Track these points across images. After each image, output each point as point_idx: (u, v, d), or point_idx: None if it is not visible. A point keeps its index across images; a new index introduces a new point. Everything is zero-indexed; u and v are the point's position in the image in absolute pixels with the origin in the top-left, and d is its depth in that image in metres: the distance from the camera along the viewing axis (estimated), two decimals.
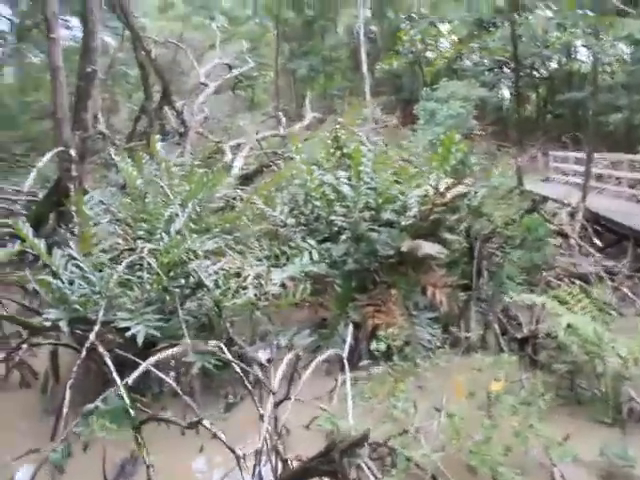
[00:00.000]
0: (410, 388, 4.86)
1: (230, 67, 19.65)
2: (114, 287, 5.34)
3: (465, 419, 4.36)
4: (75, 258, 5.67)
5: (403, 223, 6.60)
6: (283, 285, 6.59)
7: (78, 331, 5.31)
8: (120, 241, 7.17)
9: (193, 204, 7.10)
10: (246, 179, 14.56)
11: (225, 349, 4.82)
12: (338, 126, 7.88)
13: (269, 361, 5.65)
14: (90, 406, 3.63)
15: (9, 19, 28.75)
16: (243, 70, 20.09)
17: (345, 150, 7.41)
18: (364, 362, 5.48)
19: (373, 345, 4.93)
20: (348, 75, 28.86)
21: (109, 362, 4.55)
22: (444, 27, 19.94)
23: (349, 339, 5.51)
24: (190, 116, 16.11)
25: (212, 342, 4.98)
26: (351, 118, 9.97)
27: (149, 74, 16.64)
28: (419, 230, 6.66)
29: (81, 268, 5.49)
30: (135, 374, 4.19)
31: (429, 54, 20.30)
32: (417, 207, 6.49)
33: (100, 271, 5.77)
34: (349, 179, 6.86)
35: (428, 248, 6.19)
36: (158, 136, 8.85)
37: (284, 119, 18.29)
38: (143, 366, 4.37)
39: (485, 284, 6.95)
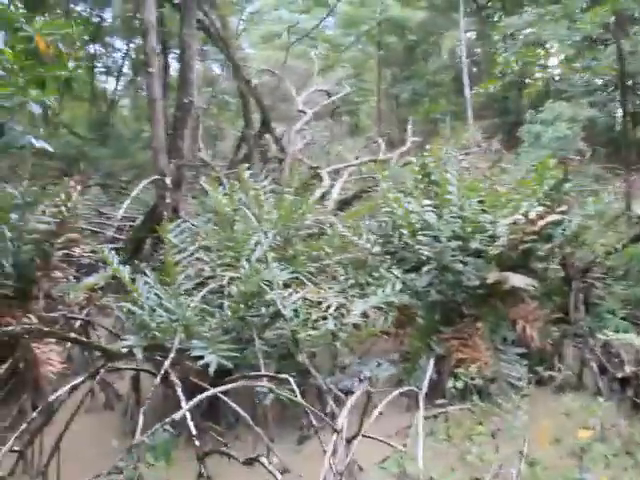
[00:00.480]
0: (491, 430, 4.56)
1: (329, 94, 19.85)
2: (191, 315, 5.42)
3: (549, 468, 4.01)
4: (153, 285, 5.82)
5: (492, 253, 6.28)
6: (366, 315, 6.48)
7: (157, 357, 5.43)
8: (207, 268, 7.32)
9: (275, 232, 7.14)
10: (345, 204, 14.63)
11: (292, 382, 4.72)
12: (426, 152, 7.68)
13: (349, 393, 5.53)
14: (137, 440, 3.64)
15: (125, 53, 30.75)
16: (340, 96, 20.11)
17: (433, 177, 7.19)
18: (444, 400, 5.21)
19: (450, 383, 4.65)
20: (452, 98, 28.46)
21: (179, 391, 4.57)
22: (552, 47, 19.19)
23: (429, 374, 5.29)
24: (289, 143, 16.35)
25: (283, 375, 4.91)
26: (441, 143, 9.65)
27: (249, 102, 17.14)
28: (508, 260, 6.33)
29: (159, 295, 5.60)
30: (194, 402, 4.21)
31: (532, 75, 19.59)
32: (506, 236, 6.15)
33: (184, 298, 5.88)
34: (436, 207, 6.66)
35: (516, 280, 5.84)
36: (246, 165, 8.95)
37: (383, 144, 18.19)
38: (207, 394, 4.40)
39: (582, 318, 6.48)
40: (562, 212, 6.36)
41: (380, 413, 5.64)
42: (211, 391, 4.46)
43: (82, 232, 8.31)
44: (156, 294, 5.74)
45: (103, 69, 32.38)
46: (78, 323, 6.61)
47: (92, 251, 7.97)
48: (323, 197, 14.73)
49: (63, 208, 6.59)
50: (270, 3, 33.41)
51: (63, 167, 17.12)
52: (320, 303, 6.48)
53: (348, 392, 5.65)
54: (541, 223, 6.24)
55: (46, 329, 5.01)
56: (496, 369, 5.68)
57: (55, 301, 6.60)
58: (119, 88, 32.37)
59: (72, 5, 27.38)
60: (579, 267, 6.78)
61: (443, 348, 6.00)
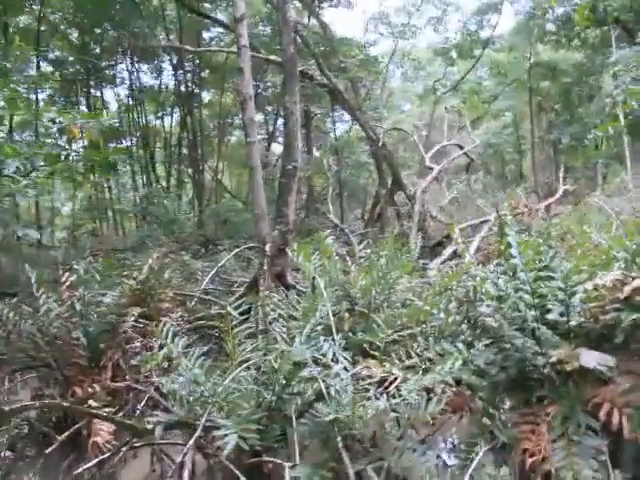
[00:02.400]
0: None
1: (460, 147, 19.23)
2: (222, 391, 5.28)
3: None
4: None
5: (572, 324, 5.48)
6: (430, 391, 5.93)
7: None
8: (279, 339, 7.17)
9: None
10: (479, 264, 13.87)
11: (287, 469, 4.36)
12: (508, 210, 7.01)
13: None
14: None
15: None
16: (469, 149, 19.35)
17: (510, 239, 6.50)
18: None
19: None
20: (617, 141, 26.26)
21: (185, 474, 4.45)
22: None
23: (472, 467, 4.65)
24: (416, 201, 15.95)
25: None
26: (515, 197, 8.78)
27: (382, 162, 17.09)
28: (589, 334, 5.47)
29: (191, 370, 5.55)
30: None
31: None
32: (580, 306, 5.34)
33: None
34: (506, 273, 6.01)
35: (587, 359, 4.98)
36: (327, 231, 8.73)
37: (523, 197, 17.16)
38: None
39: None
40: None
41: None
42: None
43: (176, 299, 8.58)
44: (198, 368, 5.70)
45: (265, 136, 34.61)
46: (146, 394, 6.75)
47: (180, 317, 8.24)
48: (455, 255, 14.09)
49: (132, 281, 6.86)
50: (421, 59, 33.61)
51: (207, 234, 18.21)
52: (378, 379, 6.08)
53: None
54: (628, 289, 5.35)
55: (65, 404, 5.14)
56: (564, 464, 4.82)
57: (123, 371, 6.82)
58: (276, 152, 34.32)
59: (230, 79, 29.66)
60: None
61: (507, 435, 5.25)
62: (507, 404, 5.56)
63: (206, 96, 33.20)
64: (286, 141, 10.73)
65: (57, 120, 5.12)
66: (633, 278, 5.37)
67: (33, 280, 6.54)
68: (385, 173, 17.50)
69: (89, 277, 6.74)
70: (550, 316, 5.58)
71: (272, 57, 16.07)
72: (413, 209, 16.04)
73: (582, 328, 5.46)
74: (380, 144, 16.69)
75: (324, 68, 15.82)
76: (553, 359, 5.08)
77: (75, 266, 7.00)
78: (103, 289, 7.23)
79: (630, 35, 22.51)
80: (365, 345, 7.03)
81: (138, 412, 6.52)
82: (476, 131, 32.27)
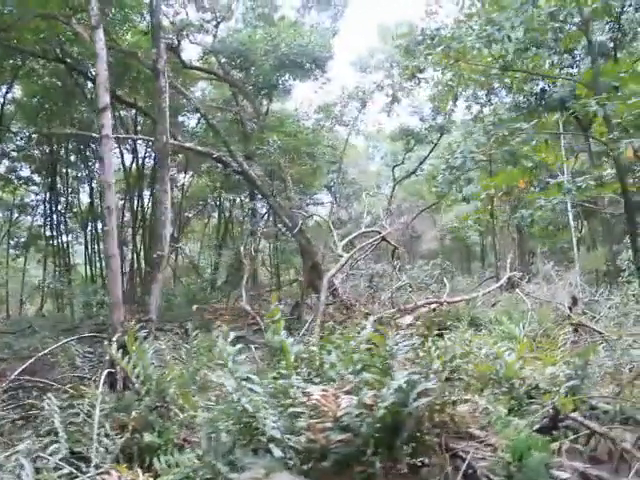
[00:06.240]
0: None
1: (379, 232, 18.94)
2: None
3: None
4: None
5: (301, 441, 5.08)
6: None
7: None
8: None
9: None
10: None
11: None
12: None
13: None
14: None
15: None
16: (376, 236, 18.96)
17: None
18: None
19: None
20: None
21: None
22: None
23: None
24: (322, 291, 15.42)
25: None
26: None
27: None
28: (311, 453, 5.04)
29: None
30: None
31: None
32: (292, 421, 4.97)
33: None
34: None
35: None
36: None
37: (448, 283, 16.72)
38: None
39: None
40: None
41: None
42: None
43: None
44: None
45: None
46: None
47: None
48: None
49: None
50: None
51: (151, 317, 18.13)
52: None
53: None
54: (342, 407, 5.00)
55: None
56: None
57: None
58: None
59: None
60: None
61: None
62: None
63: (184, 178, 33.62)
64: (154, 230, 10.66)
65: None
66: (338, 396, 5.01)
67: None
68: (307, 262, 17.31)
69: None
70: (272, 432, 5.18)
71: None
72: (335, 295, 15.71)
73: (304, 447, 5.04)
74: (296, 230, 16.57)
75: (235, 155, 15.99)
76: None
77: None
78: None
79: (578, 122, 22.22)
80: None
81: None
82: (445, 215, 32.55)
